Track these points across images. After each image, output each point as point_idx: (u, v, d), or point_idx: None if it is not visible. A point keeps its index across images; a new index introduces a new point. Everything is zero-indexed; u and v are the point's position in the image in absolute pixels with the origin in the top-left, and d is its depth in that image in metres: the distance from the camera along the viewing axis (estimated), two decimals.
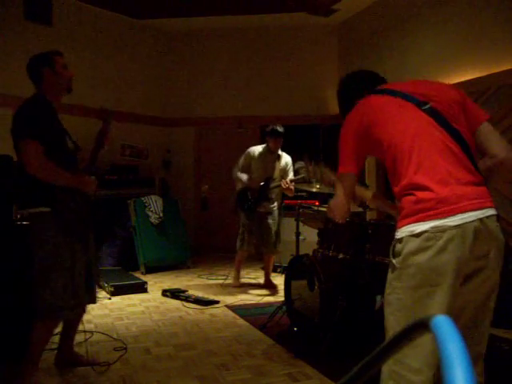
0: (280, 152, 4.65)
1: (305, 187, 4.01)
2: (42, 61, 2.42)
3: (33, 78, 2.44)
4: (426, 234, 1.38)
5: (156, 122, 7.06)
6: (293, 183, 4.45)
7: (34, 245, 2.34)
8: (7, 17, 5.52)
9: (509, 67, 4.11)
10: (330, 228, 3.24)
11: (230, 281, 4.85)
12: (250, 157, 4.61)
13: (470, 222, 1.38)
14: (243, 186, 4.54)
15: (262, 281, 4.95)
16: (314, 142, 6.80)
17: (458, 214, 1.38)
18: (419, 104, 1.53)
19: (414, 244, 1.40)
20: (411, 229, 1.41)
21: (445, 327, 0.42)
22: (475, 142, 1.53)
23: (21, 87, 5.55)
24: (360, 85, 1.81)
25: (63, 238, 2.30)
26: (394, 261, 1.47)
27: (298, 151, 6.57)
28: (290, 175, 4.65)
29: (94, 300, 2.60)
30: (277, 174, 4.60)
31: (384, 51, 5.79)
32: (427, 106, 1.52)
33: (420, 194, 1.41)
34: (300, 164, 4.28)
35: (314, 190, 3.68)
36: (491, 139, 1.53)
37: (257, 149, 4.65)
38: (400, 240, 1.44)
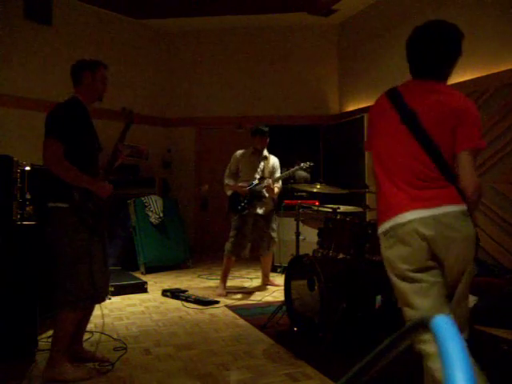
0: (267, 153, 4.64)
1: (305, 187, 4.02)
2: (86, 65, 2.58)
3: (73, 79, 2.58)
4: (388, 232, 1.72)
5: (156, 122, 7.06)
6: (276, 183, 4.47)
7: (53, 238, 2.43)
8: (7, 17, 5.52)
9: (509, 67, 4.12)
10: (330, 228, 3.24)
11: (231, 281, 4.85)
12: (238, 160, 4.59)
13: (422, 218, 1.64)
14: (233, 191, 4.51)
15: (260, 282, 4.95)
16: (314, 141, 6.81)
17: (409, 212, 1.66)
18: (407, 117, 1.72)
19: (382, 241, 1.78)
20: (380, 228, 1.78)
21: (445, 327, 0.42)
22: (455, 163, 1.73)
23: (21, 87, 5.58)
24: (409, 63, 1.86)
25: (82, 233, 2.41)
26: None
27: (298, 151, 6.61)
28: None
29: (106, 293, 2.74)
30: (266, 174, 4.58)
31: (384, 51, 5.79)
32: (414, 120, 1.71)
33: (383, 200, 1.77)
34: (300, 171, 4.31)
35: (315, 190, 3.69)
36: (461, 172, 1.69)
37: (241, 152, 4.64)
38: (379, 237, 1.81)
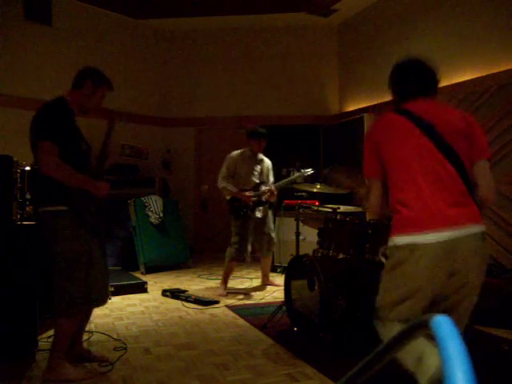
0: (262, 156, 4.59)
1: (305, 187, 4.01)
2: (92, 74, 2.56)
3: (75, 81, 2.55)
4: (410, 247, 1.70)
5: (156, 122, 7.06)
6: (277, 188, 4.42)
7: (52, 241, 2.40)
8: (7, 17, 5.52)
9: (509, 67, 4.12)
10: (330, 228, 3.24)
11: (231, 281, 4.84)
12: (234, 163, 4.48)
13: (444, 239, 1.65)
14: (232, 196, 4.42)
15: (260, 282, 4.95)
16: (313, 142, 6.81)
17: (435, 230, 1.66)
18: (426, 129, 1.76)
19: (396, 255, 1.75)
20: (394, 241, 1.75)
21: (444, 327, 0.42)
22: (471, 172, 1.78)
23: (21, 87, 5.58)
24: (404, 85, 1.93)
25: (82, 235, 2.40)
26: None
27: (298, 151, 6.61)
28: (271, 179, 4.62)
29: (107, 295, 2.70)
30: (264, 178, 4.53)
31: (384, 51, 5.79)
32: (433, 132, 1.75)
33: (404, 212, 1.73)
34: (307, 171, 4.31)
35: (315, 190, 3.69)
36: (482, 180, 1.78)
37: (238, 154, 4.53)
38: (389, 249, 1.80)
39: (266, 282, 4.86)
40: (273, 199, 4.47)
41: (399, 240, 1.72)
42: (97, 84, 2.54)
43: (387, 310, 1.78)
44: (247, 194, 4.39)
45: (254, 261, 6.09)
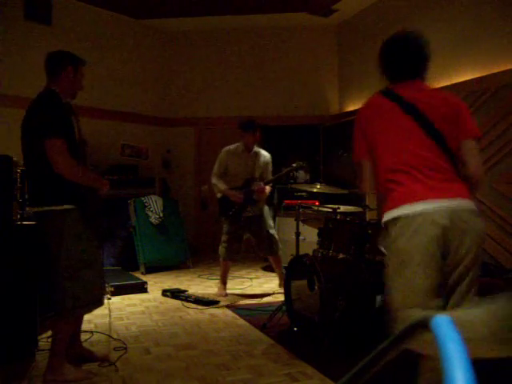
0: (257, 149, 4.34)
1: (305, 187, 4.01)
2: (71, 58, 2.49)
3: (52, 69, 2.46)
4: (399, 220, 1.70)
5: (156, 122, 7.06)
6: (268, 185, 4.23)
7: (56, 241, 2.34)
8: (7, 17, 5.52)
9: (509, 67, 4.12)
10: (330, 228, 3.24)
11: (231, 281, 4.84)
12: (225, 158, 4.29)
13: (437, 207, 1.66)
14: (223, 195, 4.27)
15: (260, 282, 4.95)
16: (313, 142, 6.81)
17: (425, 201, 1.67)
18: (410, 111, 1.78)
19: (391, 229, 1.74)
20: (387, 215, 1.76)
21: (444, 327, 0.42)
22: (459, 152, 1.79)
23: (21, 87, 5.57)
24: (391, 68, 1.97)
25: (89, 234, 2.39)
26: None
27: (298, 151, 6.61)
28: (269, 174, 4.36)
29: (104, 295, 2.70)
30: (257, 173, 4.29)
31: None
32: (420, 116, 1.77)
33: (395, 193, 1.76)
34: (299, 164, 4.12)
35: (315, 190, 3.69)
36: (469, 158, 1.78)
37: (231, 149, 4.33)
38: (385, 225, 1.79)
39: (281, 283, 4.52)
40: (264, 197, 4.28)
41: (388, 215, 1.74)
42: (76, 66, 2.49)
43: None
44: (237, 193, 4.19)
45: (254, 261, 6.10)
